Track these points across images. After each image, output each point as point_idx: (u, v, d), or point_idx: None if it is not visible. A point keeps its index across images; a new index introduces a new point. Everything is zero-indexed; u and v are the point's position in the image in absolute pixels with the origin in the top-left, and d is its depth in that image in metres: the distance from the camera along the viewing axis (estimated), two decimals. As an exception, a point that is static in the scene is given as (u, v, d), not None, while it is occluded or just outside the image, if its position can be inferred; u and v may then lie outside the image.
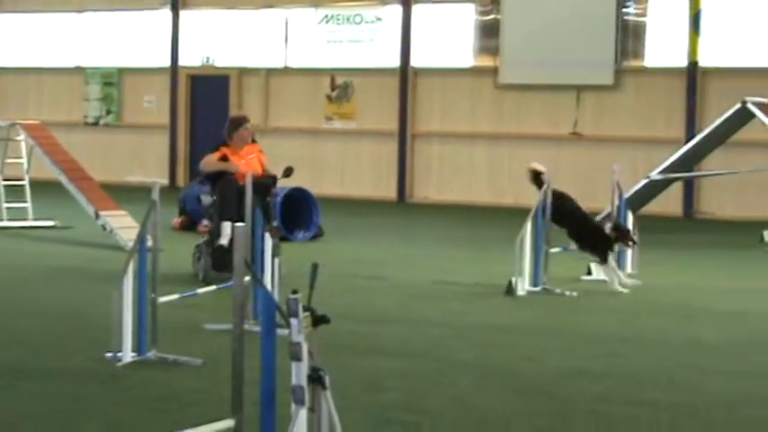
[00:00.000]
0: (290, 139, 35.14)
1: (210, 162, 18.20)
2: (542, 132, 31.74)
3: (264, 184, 17.17)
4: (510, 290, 16.61)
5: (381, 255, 21.57)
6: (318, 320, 7.63)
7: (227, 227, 17.14)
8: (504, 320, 15.05)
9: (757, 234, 24.28)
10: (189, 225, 24.15)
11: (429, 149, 33.90)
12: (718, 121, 25.74)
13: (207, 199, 18.63)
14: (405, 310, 15.56)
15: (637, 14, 31.29)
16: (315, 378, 7.58)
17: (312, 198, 23.96)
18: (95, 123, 39.15)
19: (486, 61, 33.08)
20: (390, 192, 34.12)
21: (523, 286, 16.70)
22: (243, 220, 15.39)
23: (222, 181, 17.64)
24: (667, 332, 14.50)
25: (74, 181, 23.94)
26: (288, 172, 17.58)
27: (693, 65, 30.38)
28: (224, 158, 17.93)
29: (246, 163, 17.76)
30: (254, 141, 18.60)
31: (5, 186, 25.98)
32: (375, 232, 25.57)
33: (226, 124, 18.67)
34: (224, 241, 17.21)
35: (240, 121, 18.38)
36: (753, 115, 24.74)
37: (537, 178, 17.21)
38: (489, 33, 32.99)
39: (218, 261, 17.20)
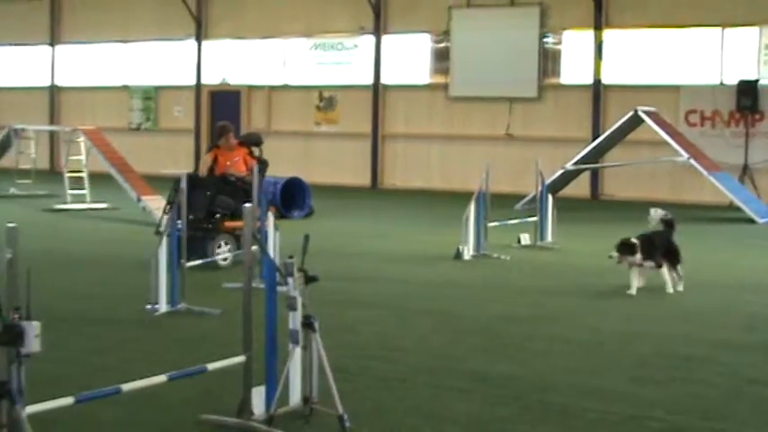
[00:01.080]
0: (288, 139, 35.14)
1: (205, 163, 17.29)
2: (483, 134, 31.72)
3: (207, 180, 16.32)
4: (458, 255, 16.65)
5: (359, 229, 21.55)
6: (309, 279, 7.65)
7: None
8: (453, 278, 15.07)
9: (646, 210, 24.27)
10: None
11: (395, 147, 33.88)
12: (616, 125, 25.91)
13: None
14: (376, 272, 15.56)
15: (554, 43, 31.32)
16: (307, 324, 7.60)
17: (305, 185, 23.96)
18: (137, 128, 39.03)
19: (440, 79, 33.06)
20: (366, 180, 34.08)
21: (468, 252, 16.74)
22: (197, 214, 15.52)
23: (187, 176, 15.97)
24: (575, 286, 14.55)
25: (121, 173, 23.96)
26: (262, 169, 16.11)
27: (597, 82, 30.44)
28: (215, 158, 16.92)
29: (231, 163, 16.74)
30: (241, 144, 17.25)
31: (69, 177, 25.99)
32: (354, 212, 25.52)
33: (215, 131, 17.89)
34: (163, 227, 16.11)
35: (223, 130, 17.20)
36: (642, 120, 24.88)
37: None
38: (442, 57, 32.98)
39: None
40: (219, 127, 17.52)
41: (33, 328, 5.71)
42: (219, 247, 15.64)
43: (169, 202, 14.33)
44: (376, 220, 23.74)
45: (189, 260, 13.24)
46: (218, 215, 16.01)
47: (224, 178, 16.42)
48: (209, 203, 15.95)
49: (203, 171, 16.93)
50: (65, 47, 41.29)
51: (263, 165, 16.57)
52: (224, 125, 17.44)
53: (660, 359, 10.02)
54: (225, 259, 15.59)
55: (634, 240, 13.83)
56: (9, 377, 5.70)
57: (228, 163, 16.72)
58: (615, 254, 13.72)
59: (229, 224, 15.82)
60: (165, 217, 14.04)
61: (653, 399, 8.46)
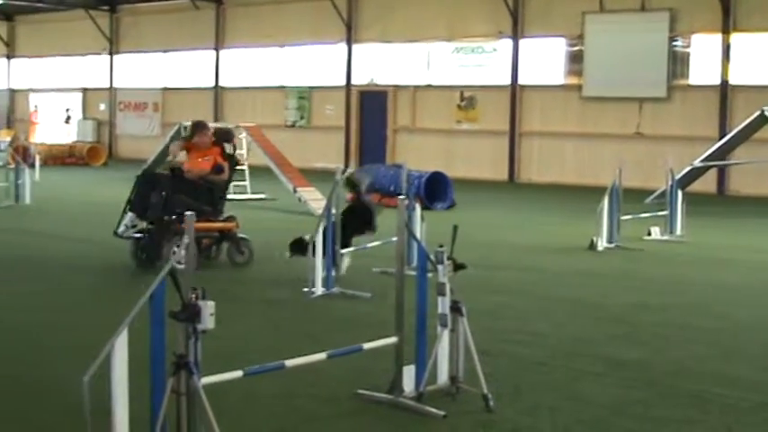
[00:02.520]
0: (431, 136, 35.28)
1: (174, 147, 16.04)
2: (614, 132, 31.35)
3: (160, 178, 14.44)
4: (592, 246, 16.51)
5: (497, 220, 21.47)
6: (458, 267, 7.67)
7: (127, 218, 14.71)
8: (588, 268, 14.93)
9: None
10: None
11: (531, 144, 33.69)
12: (743, 124, 25.40)
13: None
14: (514, 261, 15.50)
15: (683, 46, 30.81)
16: (455, 308, 7.61)
17: (447, 179, 23.96)
18: (292, 125, 39.40)
19: (573, 80, 32.77)
20: (503, 174, 33.93)
21: (602, 243, 16.59)
22: (145, 214, 14.01)
23: (138, 176, 14.61)
24: (705, 276, 14.34)
25: (278, 166, 24.22)
26: (218, 170, 14.50)
27: (725, 83, 29.84)
28: (186, 149, 15.20)
29: (197, 163, 14.68)
30: (216, 144, 15.01)
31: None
32: (492, 204, 25.42)
33: (191, 127, 16.17)
34: (120, 230, 14.63)
35: (198, 128, 15.33)
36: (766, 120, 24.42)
37: None
38: (575, 60, 32.69)
39: (134, 251, 14.10)
40: (195, 124, 15.89)
41: (209, 307, 5.83)
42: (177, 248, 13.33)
43: (128, 201, 13.97)
44: (513, 212, 23.65)
45: (145, 262, 13.78)
46: (174, 216, 13.81)
47: (183, 177, 14.40)
48: (165, 203, 13.95)
49: (175, 159, 15.48)
50: (228, 51, 41.95)
51: (232, 162, 15.16)
52: (200, 123, 15.79)
53: (788, 348, 9.85)
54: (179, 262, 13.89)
55: None
56: (187, 351, 5.83)
57: (200, 160, 14.81)
58: None
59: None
60: (129, 216, 14.32)
61: (780, 385, 8.32)
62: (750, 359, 9.28)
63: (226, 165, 14.73)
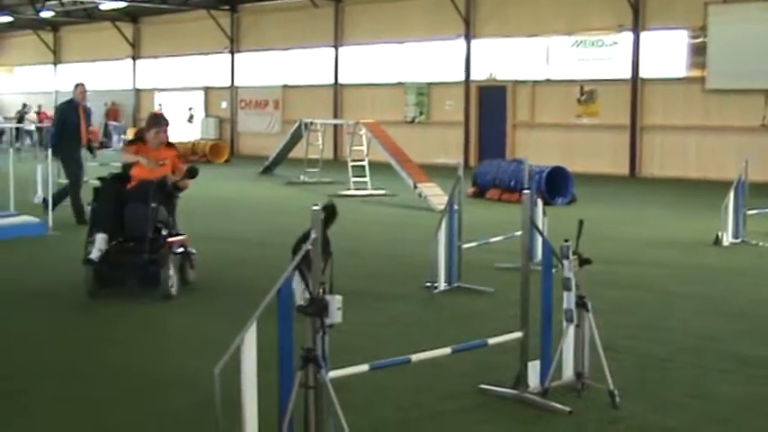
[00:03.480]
0: (550, 131, 35.10)
1: (124, 153, 13.18)
2: (739, 125, 30.85)
3: (146, 188, 11.71)
4: (717, 241, 16.28)
5: (618, 215, 21.24)
6: (583, 262, 7.65)
7: (100, 239, 11.60)
8: (712, 263, 14.70)
9: None
10: (479, 194, 24.29)
11: (653, 138, 33.30)
12: None
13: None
14: (637, 256, 15.34)
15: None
16: (580, 303, 7.59)
17: (567, 173, 23.81)
18: (411, 121, 39.52)
19: (696, 72, 32.32)
20: (624, 169, 33.61)
21: (728, 238, 16.35)
22: (119, 232, 11.75)
23: (101, 186, 12.12)
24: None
25: (398, 162, 24.37)
26: (191, 173, 12.40)
27: None
28: (137, 152, 12.38)
29: (154, 168, 12.15)
30: (171, 146, 12.60)
31: (352, 166, 26.58)
32: (613, 199, 25.18)
33: (148, 120, 13.16)
34: (94, 255, 11.49)
35: (154, 123, 12.63)
36: None
37: None
38: (698, 52, 32.20)
39: (94, 276, 11.55)
40: (152, 116, 13.32)
41: (336, 302, 5.90)
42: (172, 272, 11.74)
43: (93, 219, 11.94)
44: (635, 207, 23.39)
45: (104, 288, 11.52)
46: (164, 232, 11.87)
47: (163, 185, 11.95)
48: (155, 219, 11.81)
49: (124, 154, 13.01)
50: (346, 48, 42.20)
51: (192, 173, 12.57)
52: (157, 115, 13.30)
53: None
54: (172, 285, 11.64)
55: None
56: (315, 344, 5.91)
57: (157, 164, 12.26)
58: None
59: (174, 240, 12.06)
60: (100, 237, 11.52)
61: None
62: None
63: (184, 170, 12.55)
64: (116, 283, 11.65)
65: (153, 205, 11.61)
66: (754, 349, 9.29)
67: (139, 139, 12.69)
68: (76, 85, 20.22)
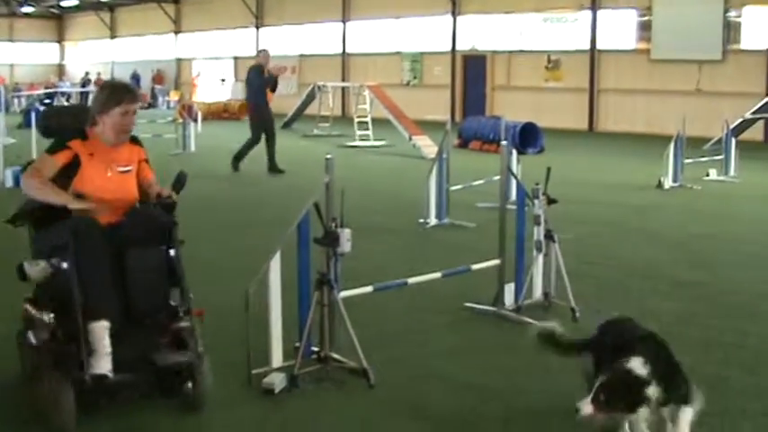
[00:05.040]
0: (523, 93, 34.83)
1: (39, 184, 5.39)
2: (678, 89, 30.59)
3: (150, 218, 5.53)
4: (660, 185, 16.28)
5: (579, 163, 21.13)
6: (551, 201, 7.67)
7: (99, 334, 4.99)
8: (656, 203, 14.71)
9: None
10: (463, 145, 24.22)
11: (607, 99, 33.08)
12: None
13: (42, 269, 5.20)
14: (595, 197, 15.31)
15: (736, 16, 29.95)
16: (548, 236, 7.63)
17: (537, 128, 23.71)
18: (407, 84, 39.32)
19: (643, 45, 32.00)
20: (584, 124, 33.46)
21: (668, 183, 16.35)
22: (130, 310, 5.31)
23: (73, 229, 5.15)
24: (756, 210, 14.07)
25: (396, 118, 24.26)
26: (180, 183, 5.70)
27: (774, 47, 29.22)
28: (70, 167, 5.48)
29: (112, 182, 5.57)
30: (135, 141, 5.84)
31: (357, 122, 26.57)
32: (575, 149, 25.03)
33: (97, 96, 5.80)
34: (104, 368, 4.96)
35: (119, 95, 5.61)
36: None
37: None
38: (645, 28, 31.87)
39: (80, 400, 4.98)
40: (116, 89, 5.74)
41: (346, 234, 5.93)
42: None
43: (12, 223, 5.66)
44: (593, 156, 23.32)
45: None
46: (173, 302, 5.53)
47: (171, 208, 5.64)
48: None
49: (35, 188, 5.41)
50: (353, 23, 41.86)
51: (182, 182, 5.81)
52: (126, 87, 5.83)
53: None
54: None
55: None
56: (328, 270, 5.94)
57: (108, 177, 5.57)
58: None
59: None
60: (99, 329, 4.99)
61: (822, 302, 8.18)
62: (796, 280, 9.14)
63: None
64: (115, 401, 5.25)
65: (171, 249, 5.44)
66: (689, 273, 9.35)
67: (79, 134, 5.57)
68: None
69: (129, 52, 56.64)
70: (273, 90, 18.83)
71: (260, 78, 18.31)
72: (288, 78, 44.37)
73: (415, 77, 39.49)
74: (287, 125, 31.99)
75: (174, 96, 48.17)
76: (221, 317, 6.67)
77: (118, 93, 5.62)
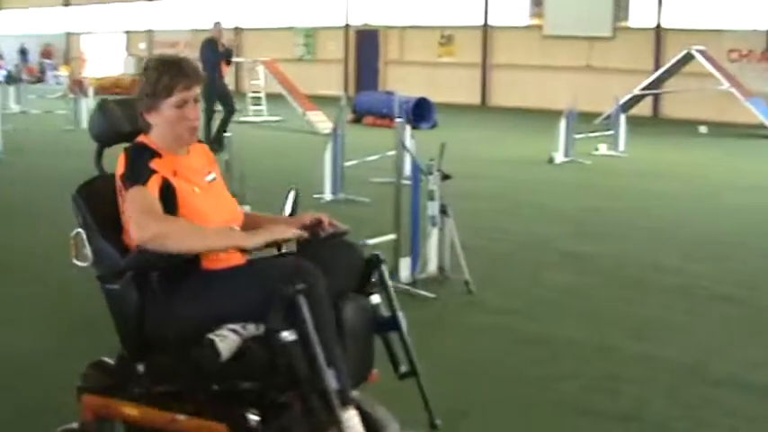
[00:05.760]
0: (417, 68, 34.98)
1: (186, 228, 3.52)
2: (569, 65, 31.23)
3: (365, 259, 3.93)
4: (551, 160, 16.63)
5: (473, 138, 21.30)
6: (445, 177, 7.83)
7: (357, 427, 3.39)
8: (548, 177, 15.05)
9: (693, 128, 24.03)
10: (357, 120, 24.28)
11: (500, 74, 33.56)
12: (674, 60, 25.40)
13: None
14: (488, 171, 15.52)
15: (625, -7, 30.82)
16: (442, 211, 7.79)
17: (430, 103, 23.89)
18: (300, 59, 39.18)
19: (536, 21, 32.64)
20: (477, 99, 33.94)
21: (559, 157, 16.70)
22: None
23: (293, 278, 3.35)
24: (643, 184, 14.50)
25: (289, 93, 24.21)
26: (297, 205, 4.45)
27: (659, 26, 29.90)
28: (162, 199, 3.58)
29: (208, 202, 3.76)
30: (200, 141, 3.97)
31: (251, 97, 26.51)
32: (468, 124, 25.21)
33: (147, 78, 3.79)
34: None
35: (174, 77, 3.72)
36: (693, 57, 24.43)
37: None
38: (537, 4, 32.44)
39: None
40: (172, 63, 3.80)
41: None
42: None
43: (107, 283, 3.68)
44: (486, 131, 23.62)
45: None
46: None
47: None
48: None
49: (180, 235, 3.49)
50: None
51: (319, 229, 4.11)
52: (185, 60, 3.85)
53: (706, 243, 10.05)
54: None
55: None
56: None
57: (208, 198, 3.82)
58: None
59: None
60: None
61: (701, 272, 8.53)
62: (678, 251, 9.49)
63: None
64: None
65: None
66: (579, 246, 9.63)
67: (131, 136, 3.89)
68: None
69: (16, 26, 55.20)
70: (229, 63, 18.96)
71: (213, 52, 18.23)
72: (180, 54, 43.94)
73: (308, 52, 39.41)
74: (180, 100, 31.63)
75: (63, 71, 47.17)
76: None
77: (167, 75, 3.76)
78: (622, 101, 21.74)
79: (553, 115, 18.50)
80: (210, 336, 3.42)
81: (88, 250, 3.71)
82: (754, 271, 8.69)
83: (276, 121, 24.89)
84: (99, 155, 4.06)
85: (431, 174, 7.70)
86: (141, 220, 3.49)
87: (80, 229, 3.75)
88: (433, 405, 3.88)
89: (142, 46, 46.66)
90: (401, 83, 31.32)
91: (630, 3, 30.84)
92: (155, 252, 3.44)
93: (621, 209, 12.19)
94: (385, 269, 3.98)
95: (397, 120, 7.83)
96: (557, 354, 6.15)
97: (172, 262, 3.50)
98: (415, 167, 7.89)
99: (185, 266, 3.56)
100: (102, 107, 4.06)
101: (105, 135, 4.00)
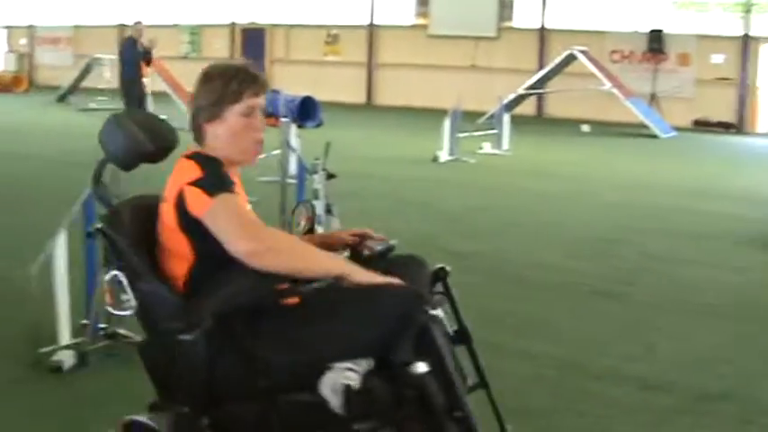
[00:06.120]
0: (303, 66, 34.93)
1: (293, 241, 3.45)
2: (454, 64, 31.61)
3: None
4: (435, 158, 16.82)
5: (358, 137, 21.42)
6: (330, 176, 7.88)
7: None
8: (433, 176, 15.21)
9: (576, 127, 24.56)
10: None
11: (386, 73, 33.81)
12: (556, 60, 25.95)
13: None
14: (374, 170, 15.62)
15: (509, -5, 31.35)
16: (327, 210, 7.84)
17: (316, 101, 23.71)
18: (185, 57, 38.72)
19: (421, 21, 32.98)
20: (362, 98, 34.11)
21: (444, 156, 16.89)
22: None
23: (408, 312, 3.16)
24: (526, 183, 14.76)
25: (174, 91, 24.07)
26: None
27: (542, 27, 30.51)
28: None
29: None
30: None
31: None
32: (353, 123, 25.29)
33: (211, 86, 3.51)
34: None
35: (242, 83, 3.48)
36: (576, 57, 24.98)
37: None
38: (423, 4, 32.82)
39: None
40: (240, 70, 3.55)
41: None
42: None
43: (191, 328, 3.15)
44: (371, 130, 23.76)
45: None
46: None
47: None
48: None
49: (289, 248, 3.25)
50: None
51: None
52: (240, 69, 3.58)
53: (587, 240, 10.31)
54: None
55: None
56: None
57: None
58: None
59: None
60: None
61: (583, 269, 8.75)
62: (559, 249, 9.72)
63: None
64: None
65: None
66: (463, 245, 9.77)
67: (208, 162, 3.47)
68: None
69: None
70: (148, 63, 18.76)
71: (134, 51, 18.04)
72: (62, 50, 43.17)
73: (193, 50, 39.02)
74: (62, 99, 31.03)
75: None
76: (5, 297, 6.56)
77: (235, 81, 3.44)
78: (506, 100, 22.10)
79: (438, 114, 18.71)
80: (341, 381, 3.03)
81: (130, 296, 3.18)
82: (633, 267, 8.96)
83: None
84: (100, 175, 3.58)
85: (316, 173, 7.73)
86: (250, 230, 3.14)
87: (116, 272, 3.19)
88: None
89: (23, 42, 45.58)
90: (287, 81, 31.21)
91: (515, 3, 31.40)
92: (248, 282, 3.04)
93: (505, 207, 12.41)
94: (449, 281, 3.88)
95: (283, 119, 7.84)
96: (442, 351, 6.24)
97: (262, 300, 3.10)
98: (301, 167, 7.93)
99: (265, 304, 3.13)
100: (118, 122, 3.58)
101: (130, 156, 3.53)
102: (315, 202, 7.78)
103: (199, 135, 3.49)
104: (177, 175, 3.33)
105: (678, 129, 25.26)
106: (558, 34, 30.00)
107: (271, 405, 3.06)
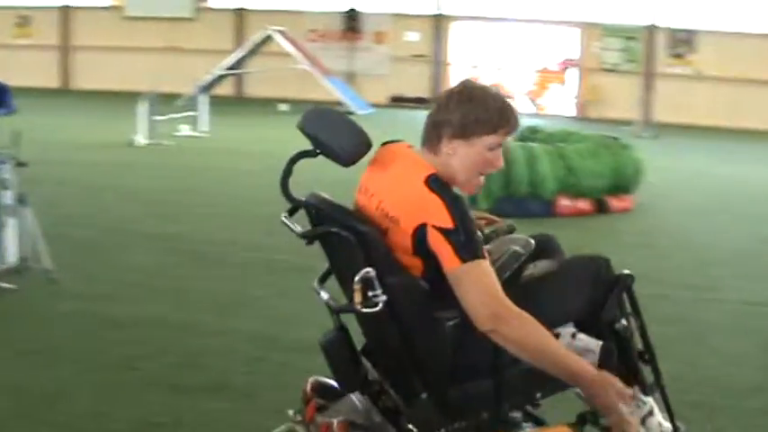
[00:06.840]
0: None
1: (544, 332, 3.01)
2: (153, 46, 31.18)
3: None
4: (131, 143, 16.64)
5: (53, 123, 20.56)
6: (20, 164, 7.63)
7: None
8: (129, 160, 15.03)
9: (275, 108, 24.97)
10: None
11: (83, 56, 32.85)
12: (253, 39, 26.22)
13: None
14: (68, 157, 15.13)
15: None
16: (20, 200, 7.60)
17: (6, 87, 22.73)
18: None
19: (117, 2, 32.36)
20: (56, 83, 33.02)
21: (140, 140, 16.73)
22: None
23: None
24: (226, 163, 14.95)
25: None
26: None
27: (240, 8, 30.84)
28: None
29: None
30: None
31: None
32: (48, 109, 24.17)
33: (482, 104, 3.21)
34: None
35: (505, 117, 3.22)
36: (272, 38, 25.38)
37: None
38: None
39: None
40: (496, 104, 3.22)
41: None
42: None
43: None
44: (66, 115, 23.00)
45: None
46: None
47: None
48: None
49: (541, 341, 3.02)
50: None
51: None
52: (506, 104, 3.26)
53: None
54: None
55: None
56: None
57: None
58: None
59: None
60: None
61: (279, 246, 8.96)
62: (258, 227, 9.78)
63: None
64: None
65: None
66: (162, 227, 9.83)
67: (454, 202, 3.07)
68: None
69: None
70: None
71: None
72: None
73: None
74: None
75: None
76: None
77: (501, 113, 3.25)
78: (203, 82, 22.14)
79: (136, 98, 18.51)
80: (590, 342, 3.46)
81: (378, 290, 3.07)
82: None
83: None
84: (290, 172, 3.59)
85: (4, 162, 7.52)
86: (502, 312, 3.00)
87: (368, 269, 3.08)
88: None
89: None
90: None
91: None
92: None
93: (203, 188, 12.51)
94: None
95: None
96: (144, 334, 6.28)
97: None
98: (-13, 159, 7.66)
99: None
100: (337, 114, 3.55)
101: (362, 153, 3.39)
102: (3, 192, 7.56)
103: (433, 143, 3.32)
104: (415, 199, 3.14)
105: (375, 105, 26.17)
106: (256, 14, 30.26)
107: (502, 379, 3.20)
